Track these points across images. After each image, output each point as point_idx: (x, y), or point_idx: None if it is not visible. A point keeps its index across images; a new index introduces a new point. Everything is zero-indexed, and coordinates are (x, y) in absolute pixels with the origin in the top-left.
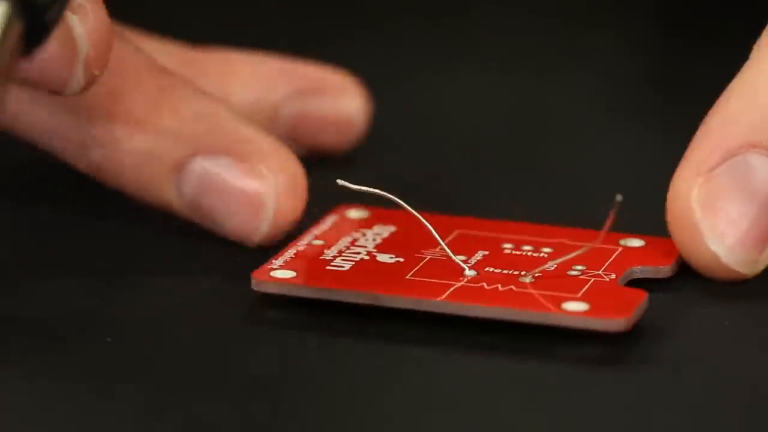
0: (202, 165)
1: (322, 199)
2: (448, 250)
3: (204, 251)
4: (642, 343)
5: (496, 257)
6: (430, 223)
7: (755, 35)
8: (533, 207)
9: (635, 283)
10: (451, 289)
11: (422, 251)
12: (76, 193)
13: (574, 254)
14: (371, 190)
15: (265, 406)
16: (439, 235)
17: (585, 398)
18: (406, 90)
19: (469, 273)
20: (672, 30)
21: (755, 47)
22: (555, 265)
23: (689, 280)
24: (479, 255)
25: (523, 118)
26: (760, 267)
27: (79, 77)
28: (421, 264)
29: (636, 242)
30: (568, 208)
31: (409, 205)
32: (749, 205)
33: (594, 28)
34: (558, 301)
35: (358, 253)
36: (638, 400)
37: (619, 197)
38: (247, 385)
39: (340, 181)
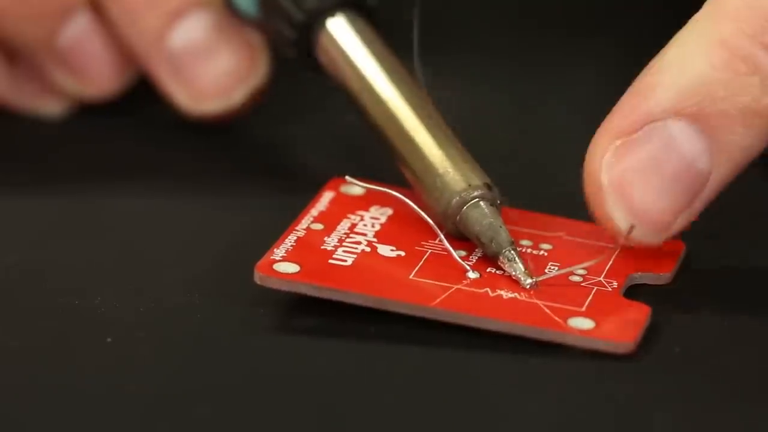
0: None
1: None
2: (452, 251)
3: (204, 249)
4: (642, 343)
5: None
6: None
7: None
8: (531, 197)
9: (637, 285)
10: (457, 296)
11: (422, 243)
12: (76, 193)
13: (578, 266)
14: (378, 188)
15: (265, 407)
16: (438, 226)
17: (585, 397)
18: None
19: (472, 275)
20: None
21: (693, 17)
22: (557, 267)
23: (689, 280)
24: (479, 251)
25: (523, 118)
26: (666, 236)
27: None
28: (422, 260)
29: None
30: (565, 199)
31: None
32: (661, 176)
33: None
34: (563, 315)
35: (359, 243)
36: (638, 399)
37: (633, 225)
38: (248, 386)
39: (348, 178)
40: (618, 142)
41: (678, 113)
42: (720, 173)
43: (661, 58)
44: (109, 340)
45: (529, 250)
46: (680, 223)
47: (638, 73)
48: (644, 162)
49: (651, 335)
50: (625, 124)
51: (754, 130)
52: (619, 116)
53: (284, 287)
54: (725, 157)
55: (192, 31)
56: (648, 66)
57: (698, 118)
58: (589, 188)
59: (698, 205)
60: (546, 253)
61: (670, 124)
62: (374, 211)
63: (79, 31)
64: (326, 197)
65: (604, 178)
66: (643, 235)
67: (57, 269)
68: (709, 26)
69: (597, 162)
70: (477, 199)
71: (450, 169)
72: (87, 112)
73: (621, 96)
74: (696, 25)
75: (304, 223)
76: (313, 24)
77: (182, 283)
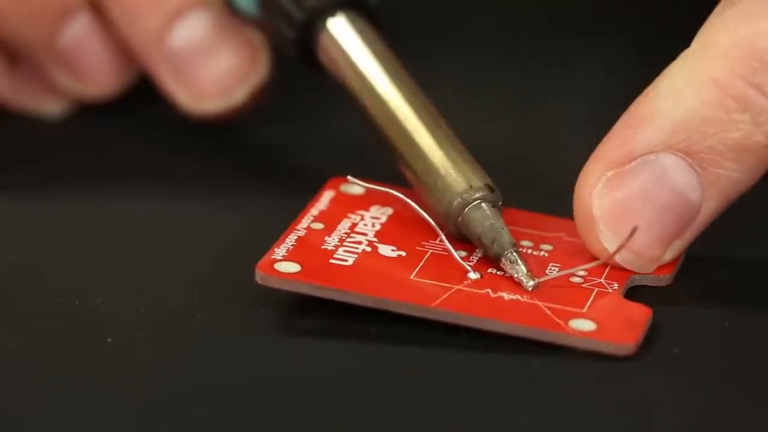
0: None
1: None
2: (453, 252)
3: (204, 250)
4: (642, 343)
5: None
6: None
7: None
8: (532, 197)
9: (637, 285)
10: (458, 297)
11: (423, 243)
12: (76, 193)
13: (579, 268)
14: (379, 188)
15: (265, 407)
16: (439, 227)
17: (585, 398)
18: None
19: (473, 276)
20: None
21: (684, 53)
22: (558, 268)
23: (689, 280)
24: (480, 251)
25: (524, 117)
26: (656, 265)
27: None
28: (423, 260)
29: None
30: (565, 198)
31: (408, 187)
32: (652, 207)
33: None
34: (564, 316)
35: (360, 243)
36: (638, 399)
37: (635, 226)
38: (248, 386)
39: (350, 178)
40: (609, 174)
41: (670, 147)
42: (710, 206)
43: (653, 90)
44: (109, 340)
45: (529, 251)
46: (670, 253)
47: (640, 75)
48: (636, 193)
49: (651, 335)
50: (618, 156)
51: (744, 166)
52: (612, 147)
53: (285, 287)
54: (716, 190)
55: (192, 30)
56: (640, 97)
57: (688, 152)
58: (579, 217)
59: (688, 236)
60: (546, 254)
61: (662, 157)
62: (375, 210)
63: (79, 31)
64: (326, 196)
65: (596, 209)
66: (634, 265)
67: (57, 269)
68: (700, 63)
69: (588, 192)
70: (478, 201)
71: (451, 170)
72: (87, 112)
73: (621, 96)
74: (687, 61)
75: (305, 222)
76: (314, 23)
77: (182, 283)
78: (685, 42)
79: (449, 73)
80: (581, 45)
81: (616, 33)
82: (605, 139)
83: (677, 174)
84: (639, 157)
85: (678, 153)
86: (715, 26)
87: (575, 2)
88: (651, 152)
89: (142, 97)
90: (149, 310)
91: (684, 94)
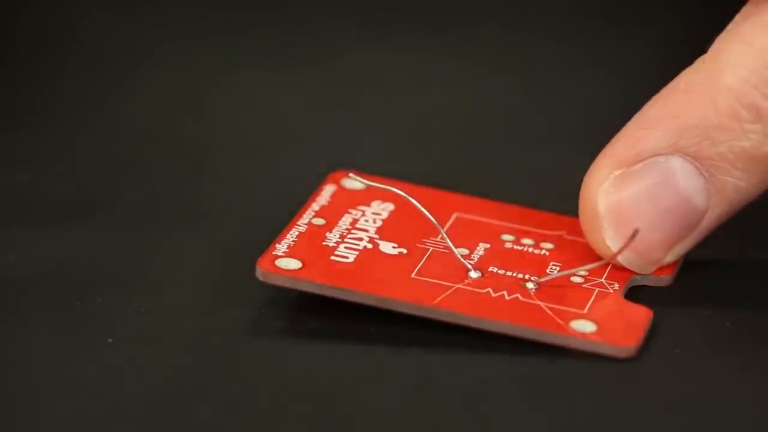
0: None
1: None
2: (454, 250)
3: (204, 248)
4: (643, 344)
5: (498, 253)
6: (428, 198)
7: None
8: (533, 194)
9: (637, 285)
10: (458, 296)
11: (424, 240)
12: (76, 192)
13: (581, 268)
14: (381, 185)
15: (265, 407)
16: (439, 220)
17: (585, 398)
18: (410, 90)
19: (474, 274)
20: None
21: (701, 58)
22: (558, 268)
23: (690, 280)
24: (481, 249)
25: (527, 115)
26: (656, 267)
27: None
28: (424, 258)
29: None
30: (562, 197)
31: (409, 182)
32: (656, 209)
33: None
34: (565, 317)
35: (361, 239)
36: (638, 400)
37: (637, 229)
38: (248, 386)
39: (352, 175)
40: (617, 172)
41: (679, 151)
42: (715, 212)
43: (667, 93)
44: (109, 340)
45: (530, 249)
46: (671, 256)
47: (652, 77)
48: (641, 194)
49: (651, 336)
50: (627, 155)
51: (751, 175)
52: (621, 146)
53: (286, 284)
54: (721, 198)
55: None
56: (653, 99)
57: (697, 157)
58: (584, 214)
59: (690, 241)
60: (547, 253)
61: (670, 160)
62: (376, 206)
63: None
64: (327, 191)
65: (601, 206)
66: (635, 265)
67: (57, 269)
68: (716, 70)
69: (595, 189)
70: None
71: None
72: (85, 111)
73: (631, 98)
74: (703, 66)
75: (306, 217)
76: None
77: (183, 282)
78: (701, 48)
79: (453, 70)
80: (592, 45)
81: (630, 35)
82: (615, 138)
83: (684, 178)
84: (648, 158)
85: (687, 157)
86: (734, 35)
87: (592, 3)
88: (660, 154)
89: (140, 96)
90: (150, 310)
91: (698, 100)
